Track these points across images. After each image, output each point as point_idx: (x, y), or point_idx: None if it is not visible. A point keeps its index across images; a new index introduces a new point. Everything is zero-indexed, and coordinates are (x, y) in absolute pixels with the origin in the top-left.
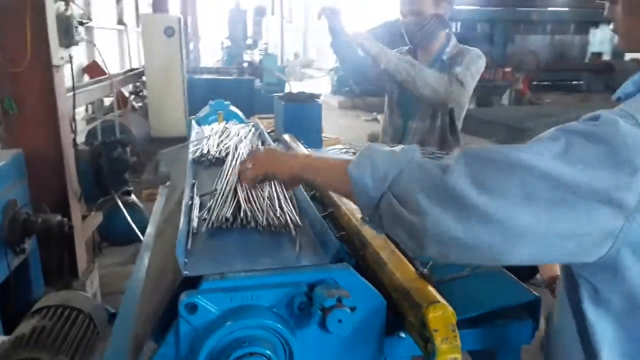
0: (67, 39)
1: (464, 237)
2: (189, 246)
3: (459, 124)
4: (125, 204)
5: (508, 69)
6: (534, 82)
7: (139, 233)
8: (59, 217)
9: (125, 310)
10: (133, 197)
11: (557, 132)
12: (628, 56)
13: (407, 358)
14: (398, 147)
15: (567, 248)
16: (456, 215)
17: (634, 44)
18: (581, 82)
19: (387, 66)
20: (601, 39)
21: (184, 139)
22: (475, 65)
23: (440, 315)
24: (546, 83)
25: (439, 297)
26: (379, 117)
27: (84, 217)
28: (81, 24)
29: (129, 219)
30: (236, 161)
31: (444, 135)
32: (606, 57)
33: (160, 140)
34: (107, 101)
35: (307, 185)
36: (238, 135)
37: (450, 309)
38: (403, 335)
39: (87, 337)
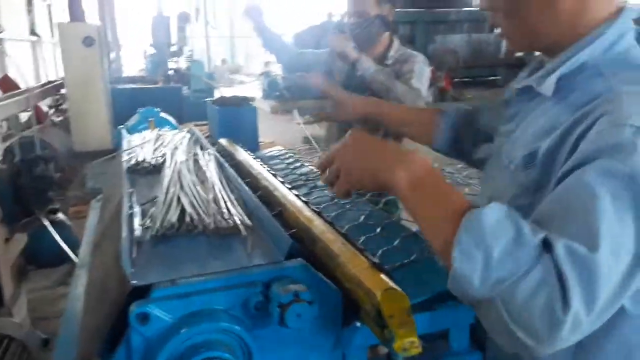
0: None
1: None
2: (134, 255)
3: None
4: (52, 223)
5: (430, 68)
6: (455, 79)
7: (69, 252)
8: None
9: (66, 331)
10: (60, 215)
11: (596, 190)
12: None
13: (364, 348)
14: (520, 234)
15: None
16: (571, 338)
17: (517, 44)
18: (498, 77)
19: (364, 73)
20: None
21: (109, 152)
22: (425, 75)
23: (395, 301)
24: (467, 79)
25: (391, 283)
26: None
27: (6, 240)
28: None
29: (57, 238)
30: (175, 166)
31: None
32: (519, 52)
33: (84, 154)
34: (24, 117)
35: (252, 187)
36: (173, 141)
37: (403, 294)
38: (359, 324)
39: None
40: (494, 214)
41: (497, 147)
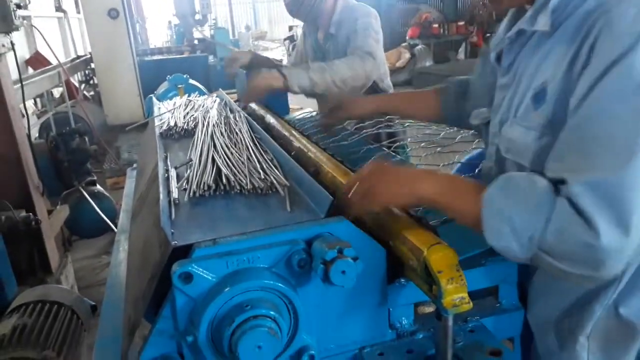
0: (6, 24)
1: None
2: (173, 217)
3: (387, 83)
4: (91, 194)
5: (461, 23)
6: (488, 34)
7: (109, 222)
8: (23, 213)
9: (112, 296)
10: (98, 186)
11: (615, 112)
12: None
13: (410, 305)
14: (531, 192)
15: None
16: (623, 257)
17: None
18: None
19: (301, 87)
20: None
21: (142, 124)
22: (371, 28)
23: (443, 255)
24: None
25: (438, 238)
26: None
27: (49, 212)
28: (19, 7)
29: (97, 209)
30: (207, 129)
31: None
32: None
33: (117, 127)
34: (57, 93)
35: (284, 149)
36: (204, 106)
37: (451, 249)
38: (404, 281)
39: (72, 330)
40: (497, 188)
41: (497, 103)
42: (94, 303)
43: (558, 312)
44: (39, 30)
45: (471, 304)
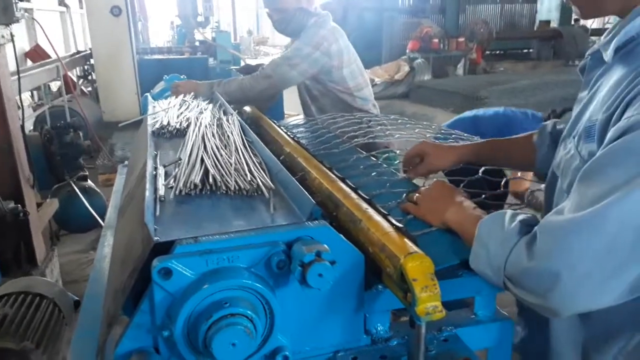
0: (7, 15)
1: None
2: (157, 213)
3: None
4: (81, 189)
5: (461, 39)
6: (487, 52)
7: (98, 218)
8: (12, 204)
9: (93, 289)
10: (90, 182)
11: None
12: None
13: (387, 312)
14: (508, 226)
15: None
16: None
17: (586, 9)
18: (531, 50)
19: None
20: (549, 7)
21: (137, 122)
22: (294, 54)
23: (419, 264)
24: (498, 52)
25: (415, 247)
26: None
27: (38, 205)
28: None
29: (86, 204)
30: (199, 130)
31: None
32: (554, 24)
33: (113, 124)
34: (55, 87)
35: (275, 153)
36: (198, 107)
37: (428, 258)
38: (381, 288)
39: (53, 323)
40: (489, 218)
41: (574, 116)
42: (77, 298)
43: (584, 331)
44: (39, 24)
45: (444, 312)
